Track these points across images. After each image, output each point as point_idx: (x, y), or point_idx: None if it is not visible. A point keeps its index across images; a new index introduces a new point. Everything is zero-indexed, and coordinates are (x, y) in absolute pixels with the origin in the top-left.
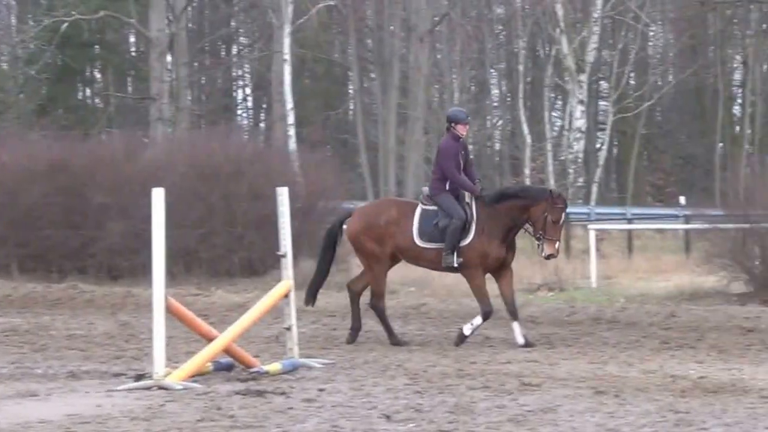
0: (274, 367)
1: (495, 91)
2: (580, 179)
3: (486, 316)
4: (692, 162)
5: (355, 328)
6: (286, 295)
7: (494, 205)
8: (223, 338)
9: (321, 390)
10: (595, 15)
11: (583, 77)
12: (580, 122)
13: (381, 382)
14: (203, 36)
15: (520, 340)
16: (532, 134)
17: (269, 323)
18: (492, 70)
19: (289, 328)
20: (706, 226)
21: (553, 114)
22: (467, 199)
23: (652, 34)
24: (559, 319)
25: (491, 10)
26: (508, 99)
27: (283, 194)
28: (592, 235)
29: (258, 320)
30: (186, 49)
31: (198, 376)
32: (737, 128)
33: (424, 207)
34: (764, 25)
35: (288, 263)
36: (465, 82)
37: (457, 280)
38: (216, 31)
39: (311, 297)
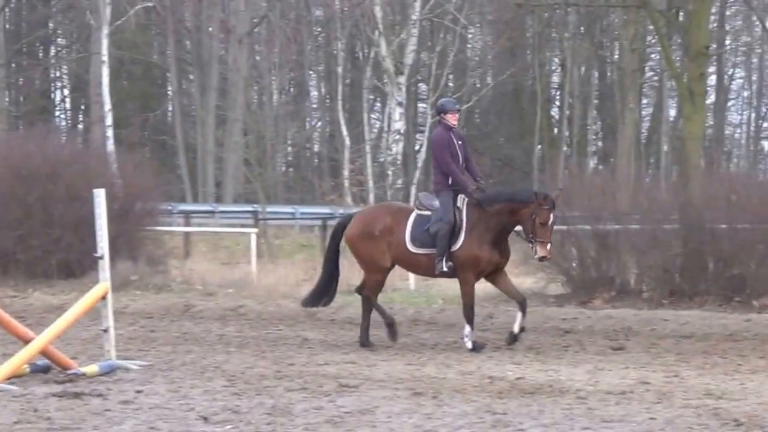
0: (91, 369)
1: (314, 93)
2: (399, 181)
3: (468, 322)
4: (511, 164)
5: (390, 324)
6: (104, 297)
7: (485, 208)
8: (40, 340)
9: (138, 392)
10: (414, 17)
11: (402, 79)
12: (399, 124)
13: (199, 384)
14: (21, 37)
15: (516, 328)
16: (351, 136)
17: (86, 325)
18: (311, 72)
19: (106, 330)
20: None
21: (372, 116)
22: (458, 203)
23: (470, 36)
24: (378, 321)
25: (310, 12)
26: (327, 101)
27: (100, 196)
28: None
29: (75, 322)
30: (3, 51)
31: (14, 378)
32: (555, 130)
33: (419, 212)
34: (582, 28)
35: (105, 265)
36: (284, 84)
37: (277, 281)
38: (34, 32)
39: (312, 301)
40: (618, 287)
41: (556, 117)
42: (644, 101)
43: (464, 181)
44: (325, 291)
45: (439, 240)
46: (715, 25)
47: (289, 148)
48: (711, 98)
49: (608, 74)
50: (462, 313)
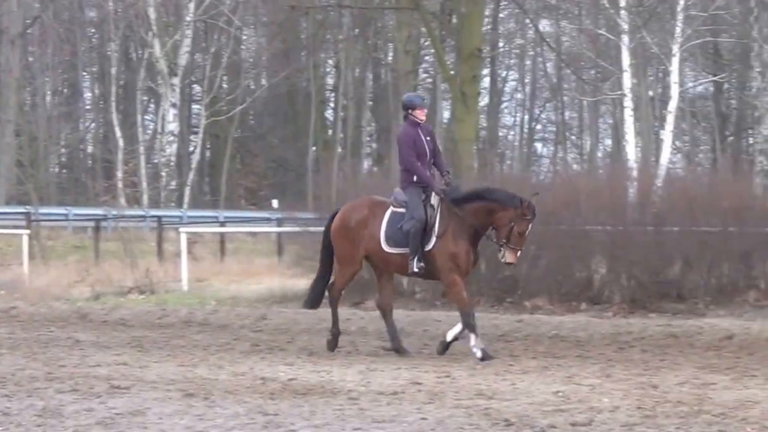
0: None
1: (87, 94)
2: (173, 182)
3: (464, 324)
4: (285, 165)
5: (335, 334)
6: None
7: (461, 206)
8: None
9: None
10: (188, 18)
11: (176, 81)
12: (173, 125)
13: None
14: None
15: (448, 337)
16: (125, 137)
17: None
18: (84, 73)
19: None
20: (297, 229)
21: (146, 117)
22: (432, 201)
23: (244, 37)
24: (150, 322)
25: (83, 12)
26: (101, 102)
27: None
28: (183, 238)
29: None
30: None
31: None
32: (330, 132)
33: (394, 209)
34: (356, 30)
35: None
36: (57, 85)
37: (50, 283)
38: None
39: (315, 300)
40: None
41: (331, 119)
42: None
43: (429, 177)
44: (321, 290)
45: (411, 238)
46: (488, 27)
47: (62, 150)
48: (484, 100)
49: (382, 76)
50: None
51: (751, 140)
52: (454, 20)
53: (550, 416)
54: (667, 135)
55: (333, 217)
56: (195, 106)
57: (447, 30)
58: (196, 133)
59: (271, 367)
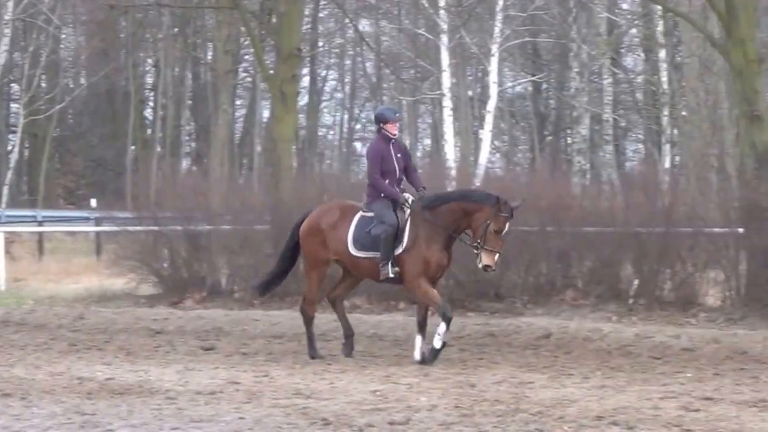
0: None
1: None
2: None
3: (446, 319)
4: (104, 164)
5: (348, 336)
6: None
7: (432, 209)
8: None
9: None
10: (7, 17)
11: None
12: None
13: None
14: None
15: (417, 356)
16: None
17: None
18: None
19: None
20: (116, 228)
21: None
22: (404, 207)
23: (63, 36)
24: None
25: None
26: None
27: None
28: (0, 237)
29: None
30: None
31: None
32: (149, 131)
33: (363, 213)
34: (175, 29)
35: None
36: None
37: None
38: None
39: (263, 289)
40: (209, 288)
41: (150, 118)
42: (238, 102)
43: (394, 193)
44: (273, 281)
45: (382, 243)
46: (308, 27)
47: None
48: (304, 100)
49: (202, 75)
50: (437, 314)
51: (569, 140)
52: (274, 20)
53: (368, 415)
54: (486, 135)
55: (303, 218)
56: (13, 105)
57: (266, 29)
58: (14, 132)
59: (89, 366)
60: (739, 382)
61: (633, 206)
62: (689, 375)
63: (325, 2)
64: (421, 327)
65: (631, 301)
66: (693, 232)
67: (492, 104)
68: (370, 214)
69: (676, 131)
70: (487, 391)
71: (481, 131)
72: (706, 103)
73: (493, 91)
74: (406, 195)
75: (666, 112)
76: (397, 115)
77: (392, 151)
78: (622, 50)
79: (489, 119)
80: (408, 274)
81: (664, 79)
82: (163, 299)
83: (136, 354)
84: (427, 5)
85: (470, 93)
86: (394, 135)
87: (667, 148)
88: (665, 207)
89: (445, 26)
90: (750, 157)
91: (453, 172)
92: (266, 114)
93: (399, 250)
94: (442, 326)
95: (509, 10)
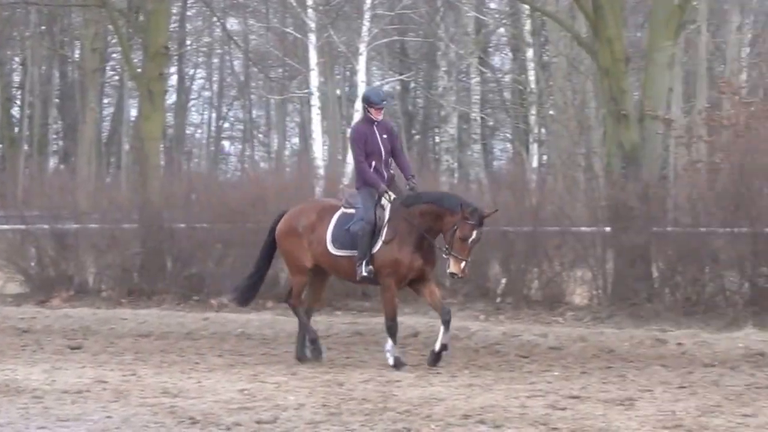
0: None
1: None
2: None
3: (389, 331)
4: None
5: (312, 340)
6: None
7: (409, 207)
8: None
9: None
10: None
11: None
12: None
13: None
14: None
15: (437, 346)
16: None
17: None
18: None
19: None
20: None
21: None
22: (383, 201)
23: None
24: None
25: None
26: None
27: None
28: None
29: None
30: None
31: None
32: (16, 129)
33: (344, 210)
34: (43, 27)
35: None
36: None
37: None
38: None
39: (243, 298)
40: (77, 286)
41: (17, 116)
42: (105, 101)
43: (373, 179)
44: (252, 287)
45: (360, 240)
46: (175, 25)
47: None
48: (171, 98)
49: (69, 74)
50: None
51: (437, 139)
52: (141, 18)
53: (236, 414)
54: None
55: (279, 218)
56: None
57: (134, 27)
58: None
59: None
60: (606, 380)
61: (500, 205)
62: (556, 373)
63: (192, 1)
64: (445, 322)
65: (498, 299)
66: (560, 231)
67: (360, 103)
68: (351, 211)
69: (543, 130)
70: (355, 389)
71: (349, 130)
72: (574, 102)
73: (362, 89)
74: (389, 194)
75: (533, 111)
76: (384, 102)
77: (376, 132)
78: (490, 49)
79: (357, 118)
80: (380, 273)
81: (532, 78)
82: (30, 298)
83: (2, 353)
84: (294, 4)
85: (338, 92)
86: (377, 119)
87: (534, 147)
88: (532, 206)
89: (312, 25)
90: (617, 156)
91: (321, 171)
92: (134, 112)
93: (375, 249)
94: (389, 343)
95: (377, 9)
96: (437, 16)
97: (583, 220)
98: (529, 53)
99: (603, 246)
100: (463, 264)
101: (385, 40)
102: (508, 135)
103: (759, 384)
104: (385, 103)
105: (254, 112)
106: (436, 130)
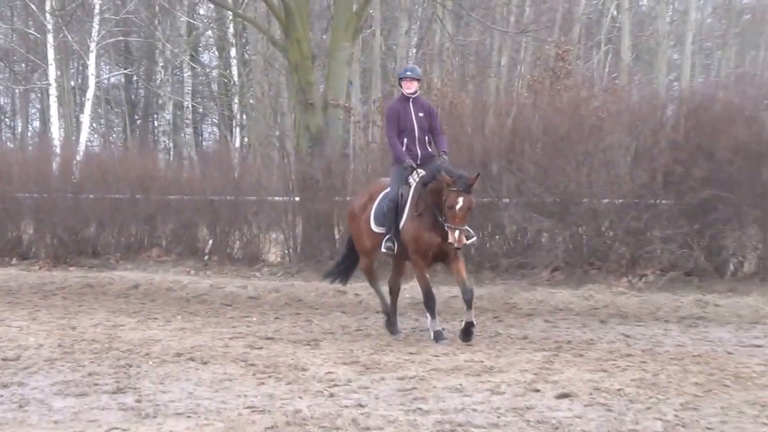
0: None
1: None
2: None
3: (426, 306)
4: None
5: (386, 312)
6: None
7: (425, 185)
8: None
9: None
10: None
11: None
12: None
13: None
14: None
15: (464, 324)
16: None
17: None
18: None
19: None
20: None
21: None
22: (409, 180)
23: None
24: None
25: None
26: None
27: None
28: None
29: None
30: None
31: None
32: None
33: (386, 190)
34: None
35: None
36: None
37: None
38: None
39: (336, 276)
40: None
41: None
42: None
43: (400, 155)
44: (342, 268)
45: (384, 218)
46: None
47: None
48: None
49: None
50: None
51: (156, 123)
52: None
53: None
54: (85, 118)
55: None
56: None
57: None
58: None
59: None
60: (296, 324)
61: (208, 178)
62: (254, 319)
63: None
64: (465, 300)
65: (206, 257)
66: (258, 200)
67: (90, 93)
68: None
69: (245, 116)
70: (86, 332)
71: (81, 116)
72: (269, 93)
73: (92, 82)
74: (417, 171)
75: (236, 100)
76: (408, 73)
77: (411, 110)
78: (200, 48)
79: (88, 106)
80: (407, 250)
81: (235, 73)
82: None
83: None
84: (35, 9)
85: (72, 83)
86: (410, 92)
87: (237, 130)
88: (235, 179)
89: (50, 26)
90: (305, 138)
91: (58, 150)
92: None
93: (400, 226)
94: (428, 319)
95: (105, 13)
96: (155, 20)
97: (277, 191)
98: (233, 52)
99: (293, 213)
100: (457, 233)
101: (112, 39)
102: (215, 120)
103: (422, 327)
104: (409, 73)
105: (1, 100)
106: (155, 116)
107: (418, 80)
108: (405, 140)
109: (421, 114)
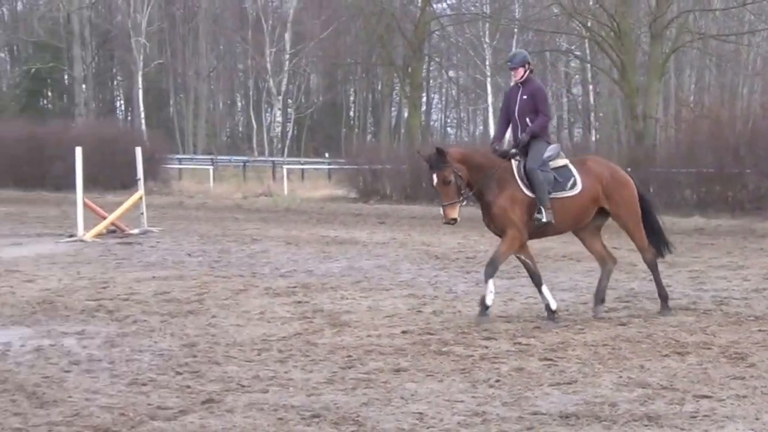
0: (134, 231)
1: None
2: None
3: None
4: None
5: (597, 293)
6: (140, 198)
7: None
8: (111, 217)
9: (158, 242)
10: None
11: None
12: None
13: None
14: None
15: (550, 304)
16: None
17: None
18: None
19: (142, 213)
20: None
21: None
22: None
23: None
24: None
25: None
26: None
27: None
28: (285, 171)
29: (127, 211)
30: None
31: (99, 235)
32: None
33: None
34: None
35: (141, 183)
36: None
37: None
38: None
39: (660, 250)
40: None
41: None
42: None
43: (496, 133)
44: (657, 240)
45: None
46: None
47: None
48: None
49: None
50: None
51: None
52: None
53: None
54: None
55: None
56: None
57: None
58: None
59: None
60: None
61: None
62: None
63: None
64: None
65: None
66: None
67: None
68: None
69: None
70: None
71: None
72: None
73: None
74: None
75: (592, 116)
76: (509, 63)
77: (519, 94)
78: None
79: None
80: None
81: (591, 97)
82: None
83: None
84: None
85: None
86: (516, 79)
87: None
88: None
89: None
90: (632, 135)
91: None
92: None
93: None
94: (544, 291)
95: None
96: None
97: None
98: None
99: None
100: (441, 209)
101: None
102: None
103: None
104: (510, 64)
105: None
106: None
107: (522, 67)
108: (510, 124)
109: (525, 97)
